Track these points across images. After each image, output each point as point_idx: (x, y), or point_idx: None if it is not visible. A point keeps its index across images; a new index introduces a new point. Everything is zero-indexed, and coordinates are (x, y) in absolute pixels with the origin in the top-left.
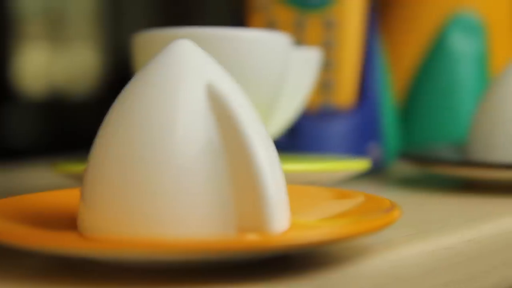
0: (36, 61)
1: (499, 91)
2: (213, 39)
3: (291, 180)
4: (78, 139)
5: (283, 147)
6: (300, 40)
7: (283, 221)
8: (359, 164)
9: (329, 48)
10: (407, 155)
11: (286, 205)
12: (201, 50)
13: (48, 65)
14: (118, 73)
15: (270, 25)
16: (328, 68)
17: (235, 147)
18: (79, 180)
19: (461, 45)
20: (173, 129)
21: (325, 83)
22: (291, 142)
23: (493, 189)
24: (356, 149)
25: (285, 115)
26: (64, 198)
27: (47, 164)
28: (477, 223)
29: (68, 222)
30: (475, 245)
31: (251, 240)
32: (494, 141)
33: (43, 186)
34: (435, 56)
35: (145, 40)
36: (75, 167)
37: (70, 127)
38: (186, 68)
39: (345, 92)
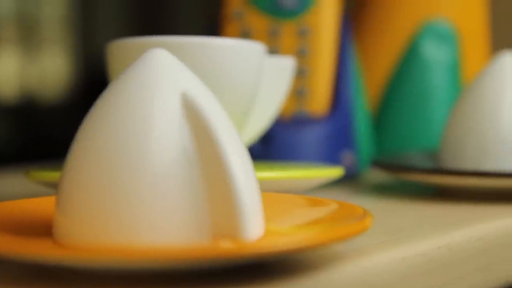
0: (7, 66)
1: (470, 99)
2: (187, 48)
3: (265, 188)
4: (50, 145)
5: (257, 155)
6: (274, 48)
7: (257, 228)
8: (333, 172)
9: (303, 56)
10: (379, 163)
11: (260, 213)
12: (175, 59)
13: (20, 70)
14: (91, 78)
15: (245, 33)
16: (302, 75)
17: (210, 155)
18: (52, 187)
19: (434, 53)
20: (148, 137)
21: (299, 91)
22: (265, 149)
23: (464, 196)
24: (329, 157)
25: (259, 123)
26: (39, 205)
27: (18, 171)
28: (449, 230)
29: (43, 229)
30: (447, 251)
31: (225, 248)
32: (465, 149)
33: (16, 193)
34: (407, 64)
35: (120, 48)
36: (49, 174)
37: (41, 132)
38: (161, 77)
39: (319, 99)
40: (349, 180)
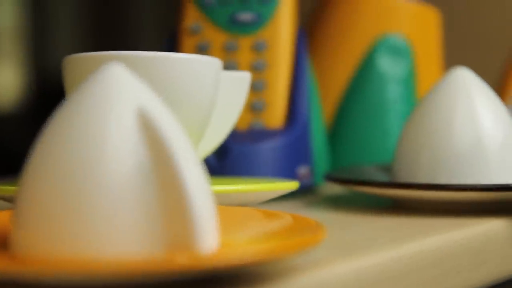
0: None
1: (423, 113)
2: (144, 62)
3: (220, 201)
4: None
5: (213, 169)
6: (231, 62)
7: (212, 241)
8: (287, 185)
9: (259, 70)
10: (331, 176)
11: (215, 225)
12: (131, 74)
13: None
14: (46, 91)
15: (202, 48)
16: (258, 90)
17: (165, 169)
18: (7, 200)
19: (389, 67)
20: (103, 152)
21: (255, 105)
22: (221, 163)
23: (418, 208)
24: (285, 170)
25: (215, 136)
26: None
27: None
28: (402, 242)
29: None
30: (400, 263)
31: (178, 261)
32: (419, 162)
33: None
34: (363, 78)
35: (77, 62)
36: (4, 188)
37: None
38: (117, 92)
39: (275, 113)
40: (305, 194)
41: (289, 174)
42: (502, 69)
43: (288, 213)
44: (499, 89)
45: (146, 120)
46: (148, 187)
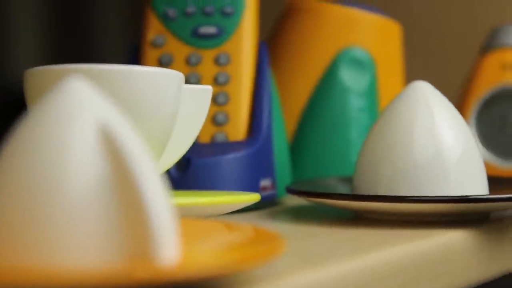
0: None
1: (384, 125)
2: (105, 75)
3: (182, 214)
4: None
5: (175, 181)
6: (193, 75)
7: (171, 252)
8: (249, 198)
9: (222, 83)
10: (292, 189)
11: (174, 237)
12: (93, 87)
13: None
14: (7, 103)
15: (165, 61)
16: (220, 102)
17: (125, 182)
18: None
19: (351, 79)
20: (64, 165)
21: (217, 118)
22: (183, 176)
23: (379, 220)
24: (248, 183)
25: (177, 149)
26: None
27: None
28: (363, 254)
29: None
30: (361, 275)
31: (138, 274)
32: (379, 174)
33: None
34: (325, 90)
35: (38, 75)
36: None
37: None
38: (78, 105)
39: (237, 126)
40: (268, 206)
41: (252, 186)
42: (462, 84)
43: (249, 225)
44: (459, 103)
45: (107, 134)
46: (109, 199)
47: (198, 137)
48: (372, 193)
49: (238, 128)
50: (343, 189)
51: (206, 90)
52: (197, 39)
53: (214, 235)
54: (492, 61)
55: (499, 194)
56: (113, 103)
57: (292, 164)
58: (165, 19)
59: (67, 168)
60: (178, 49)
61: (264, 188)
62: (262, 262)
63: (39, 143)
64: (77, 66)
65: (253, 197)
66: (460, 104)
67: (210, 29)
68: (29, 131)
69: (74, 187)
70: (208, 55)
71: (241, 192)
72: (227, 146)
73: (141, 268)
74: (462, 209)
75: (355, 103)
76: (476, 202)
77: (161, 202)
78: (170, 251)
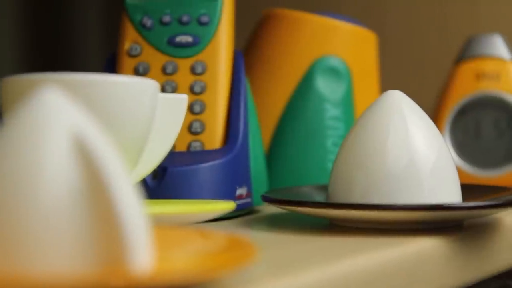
0: None
1: (358, 134)
2: (80, 85)
3: (157, 223)
4: None
5: (151, 190)
6: (170, 84)
7: (145, 260)
8: (224, 206)
9: (198, 92)
10: (268, 197)
11: (148, 245)
12: (66, 96)
13: None
14: None
15: (141, 69)
16: (197, 111)
17: (99, 191)
18: None
19: (327, 88)
20: (38, 175)
21: (194, 127)
22: (159, 184)
23: (354, 228)
24: (224, 191)
25: (153, 158)
26: None
27: None
28: (336, 261)
29: None
30: (334, 282)
31: (111, 280)
32: (353, 183)
33: None
34: (301, 99)
35: (13, 84)
36: None
37: None
38: (52, 115)
39: (214, 135)
40: (244, 215)
41: (228, 194)
42: (438, 93)
43: (222, 233)
44: (435, 112)
45: (80, 144)
46: (82, 208)
47: (174, 146)
48: (346, 201)
49: (214, 137)
50: (318, 197)
51: (181, 99)
52: (173, 48)
53: (188, 243)
54: (467, 70)
55: (472, 201)
56: (87, 112)
57: (268, 173)
58: (141, 28)
59: (41, 178)
60: (155, 58)
61: (240, 197)
62: (235, 269)
63: (13, 154)
64: (52, 75)
65: (228, 206)
66: (435, 113)
67: (186, 38)
68: (2, 142)
69: (48, 197)
70: (184, 64)
71: (216, 200)
72: (203, 155)
73: (114, 275)
74: (436, 217)
75: (331, 111)
76: (449, 210)
77: (134, 211)
78: (143, 259)
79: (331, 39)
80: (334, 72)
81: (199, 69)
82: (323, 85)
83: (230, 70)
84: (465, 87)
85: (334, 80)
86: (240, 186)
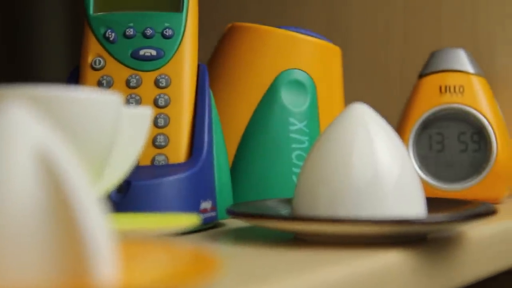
0: None
1: (322, 147)
2: (43, 99)
3: (122, 236)
4: None
5: (115, 204)
6: (134, 97)
7: (108, 273)
8: (188, 220)
9: (162, 105)
10: (233, 210)
11: (113, 259)
12: (30, 110)
13: None
14: None
15: (105, 83)
16: (161, 125)
17: (62, 207)
18: None
19: (292, 101)
20: (3, 191)
21: (158, 140)
22: (124, 199)
23: (319, 241)
24: (188, 205)
25: (116, 172)
26: None
27: None
28: (301, 275)
29: None
30: None
31: None
32: (318, 196)
33: None
34: (265, 112)
35: None
36: None
37: None
38: (15, 129)
39: (178, 149)
40: (209, 229)
41: (192, 208)
42: (403, 107)
43: (187, 246)
44: (399, 125)
45: (44, 158)
46: (47, 223)
47: (138, 160)
48: (311, 214)
49: (178, 151)
50: (283, 210)
51: (146, 113)
52: (137, 61)
53: (152, 257)
54: (431, 84)
55: (436, 215)
56: (50, 126)
57: (233, 186)
58: (105, 42)
59: (5, 194)
60: (118, 71)
61: (205, 210)
62: (199, 283)
63: None
64: (13, 89)
65: (192, 219)
66: (399, 126)
67: (150, 52)
68: None
69: (12, 212)
70: (148, 78)
71: (181, 214)
72: (167, 169)
73: (76, 287)
74: (400, 231)
75: (296, 125)
76: (413, 224)
77: (99, 225)
78: (108, 272)
79: (295, 53)
80: (298, 85)
81: (163, 83)
82: (288, 98)
83: (194, 83)
84: (429, 101)
85: (299, 93)
86: (205, 199)
